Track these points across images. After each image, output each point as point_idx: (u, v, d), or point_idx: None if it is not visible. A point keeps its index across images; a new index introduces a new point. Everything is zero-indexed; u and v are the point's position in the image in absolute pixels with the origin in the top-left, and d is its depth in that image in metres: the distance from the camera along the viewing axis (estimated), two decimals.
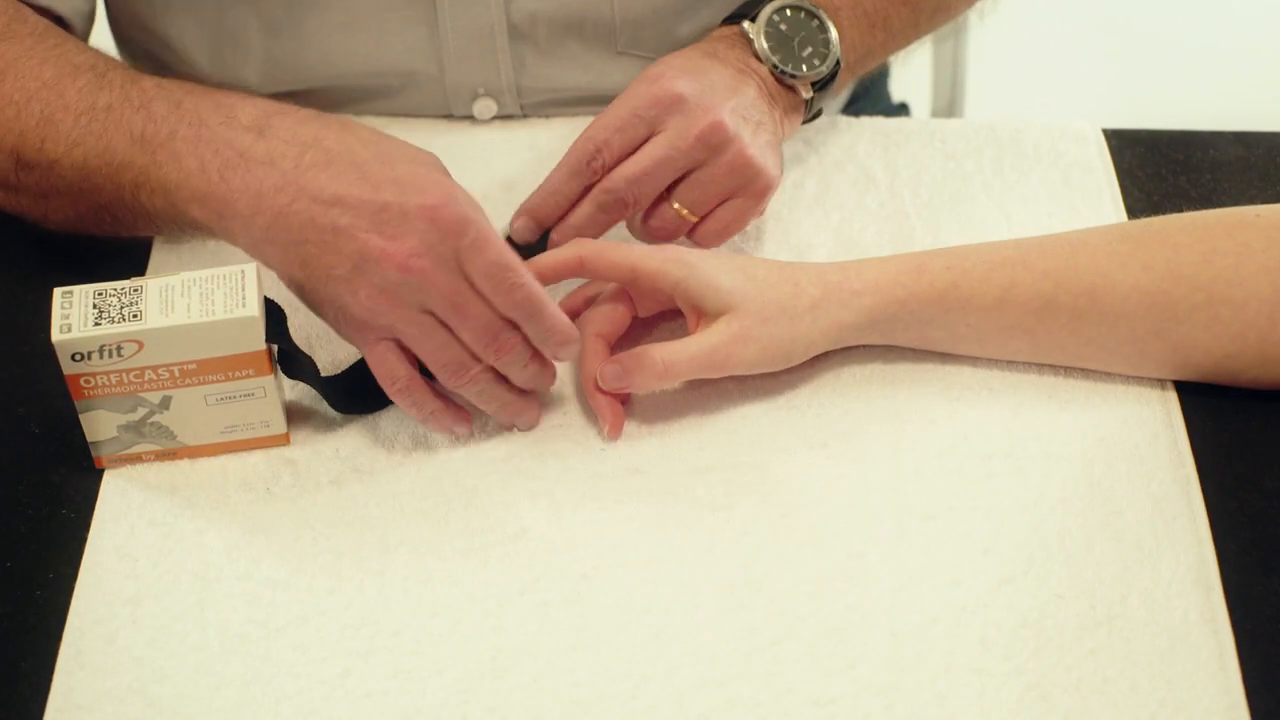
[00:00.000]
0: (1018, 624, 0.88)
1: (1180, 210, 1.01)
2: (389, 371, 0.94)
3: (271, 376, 0.93)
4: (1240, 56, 2.47)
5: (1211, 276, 0.95)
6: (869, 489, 0.95)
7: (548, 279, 0.98)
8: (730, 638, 0.88)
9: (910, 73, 1.57)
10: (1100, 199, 1.12)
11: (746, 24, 1.06)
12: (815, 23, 1.07)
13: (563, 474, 0.96)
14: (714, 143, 1.00)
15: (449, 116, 1.19)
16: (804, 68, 1.07)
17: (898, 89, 1.54)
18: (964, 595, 0.90)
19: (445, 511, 0.94)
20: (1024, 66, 2.38)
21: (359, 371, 0.96)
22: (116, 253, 1.08)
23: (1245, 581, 0.90)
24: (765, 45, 1.06)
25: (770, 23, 1.06)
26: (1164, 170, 1.14)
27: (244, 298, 0.91)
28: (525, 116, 1.19)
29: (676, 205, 1.02)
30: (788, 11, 1.06)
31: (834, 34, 1.07)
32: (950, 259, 0.98)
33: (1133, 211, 1.11)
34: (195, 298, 0.91)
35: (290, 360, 0.95)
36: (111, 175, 0.97)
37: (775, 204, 1.12)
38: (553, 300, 0.94)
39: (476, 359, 0.93)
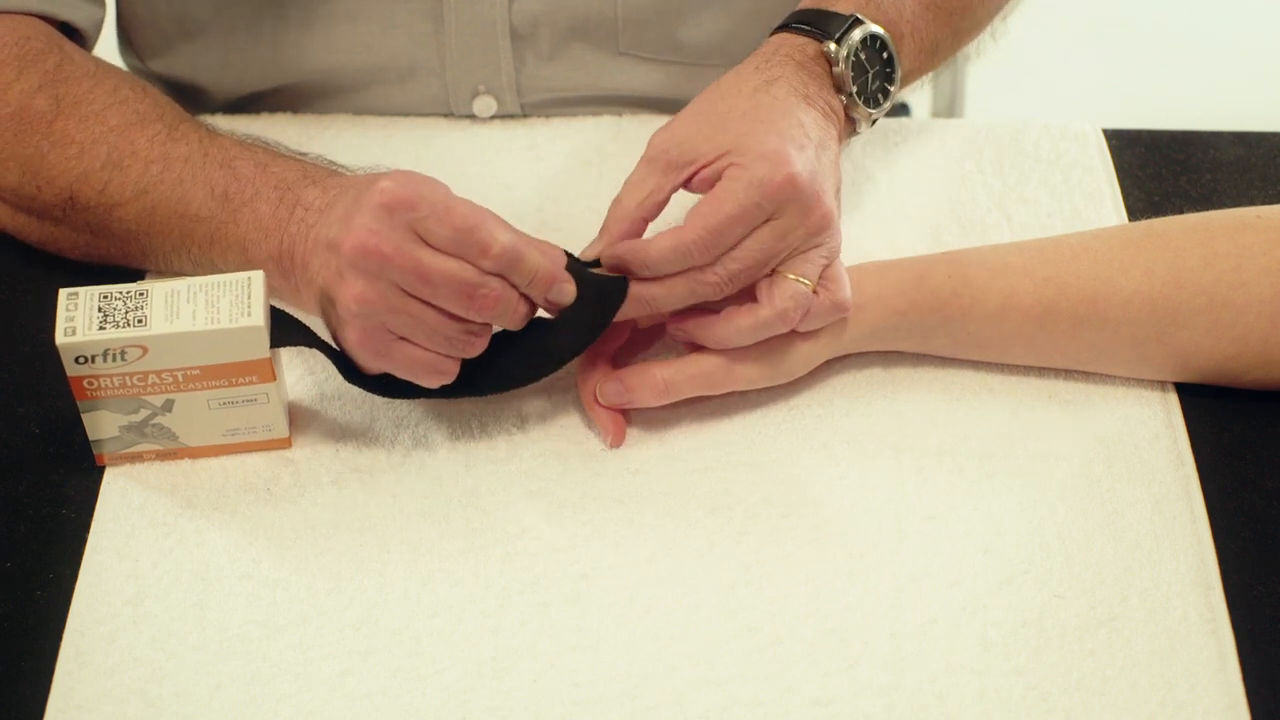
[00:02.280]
0: (1018, 624, 0.88)
1: (1181, 210, 1.01)
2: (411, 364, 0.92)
3: (275, 383, 0.93)
4: (1240, 56, 2.47)
5: (1213, 280, 0.95)
6: (869, 489, 0.95)
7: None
8: (730, 638, 0.88)
9: None
10: (1100, 199, 1.12)
11: (833, 46, 1.00)
12: (886, 55, 1.03)
13: (563, 474, 0.96)
14: (821, 230, 0.95)
15: (449, 115, 1.19)
16: (873, 104, 1.02)
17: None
18: (964, 595, 0.90)
19: (445, 511, 0.94)
20: (1024, 66, 2.38)
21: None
22: None
23: (1245, 581, 0.90)
24: (849, 76, 1.00)
25: (855, 53, 1.01)
26: (1164, 170, 1.14)
27: (249, 306, 0.91)
28: (525, 116, 1.19)
29: (793, 277, 0.95)
30: (868, 41, 1.01)
31: (899, 72, 1.04)
32: (951, 267, 0.98)
33: (1133, 212, 1.11)
34: (201, 304, 0.91)
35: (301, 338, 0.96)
36: (182, 225, 1.00)
37: None
38: (530, 243, 0.91)
39: (473, 325, 0.91)
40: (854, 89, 1.00)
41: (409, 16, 1.14)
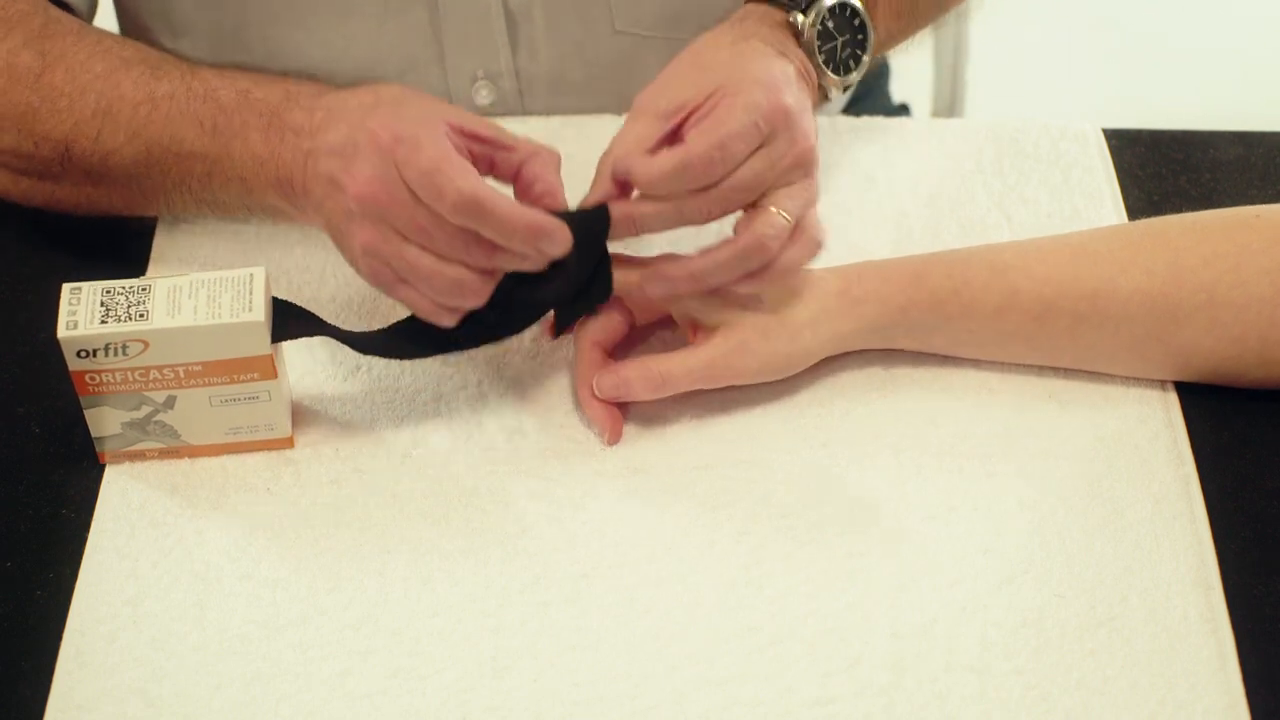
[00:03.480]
0: (1018, 624, 0.88)
1: (1180, 210, 1.01)
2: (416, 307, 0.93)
3: (276, 380, 0.93)
4: (1240, 56, 2.47)
5: (1212, 279, 0.95)
6: (869, 489, 0.95)
7: None
8: (730, 638, 0.88)
9: (910, 73, 1.57)
10: (1100, 199, 1.12)
11: (799, 17, 1.01)
12: (857, 22, 1.03)
13: (563, 474, 0.96)
14: (806, 163, 0.97)
15: (450, 102, 1.18)
16: (842, 71, 1.03)
17: (898, 89, 1.54)
18: (964, 595, 0.90)
19: (445, 511, 0.94)
20: (1024, 66, 2.38)
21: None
22: (116, 253, 1.08)
23: (1245, 581, 0.90)
24: (816, 45, 1.01)
25: (822, 22, 1.01)
26: (1164, 170, 1.14)
27: (251, 301, 0.91)
28: (526, 113, 1.19)
29: (775, 210, 0.95)
30: (838, 9, 1.02)
31: (872, 38, 1.04)
32: (951, 265, 0.98)
33: (1133, 211, 1.11)
34: (202, 299, 0.91)
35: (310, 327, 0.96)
36: (179, 165, 1.00)
37: None
38: (498, 193, 0.89)
39: (477, 269, 0.91)
40: (821, 58, 1.02)
41: (403, 5, 1.14)
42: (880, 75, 1.50)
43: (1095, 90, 2.43)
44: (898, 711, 0.85)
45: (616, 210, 0.94)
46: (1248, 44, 2.50)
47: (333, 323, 0.97)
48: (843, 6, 1.02)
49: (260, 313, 0.91)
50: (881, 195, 1.13)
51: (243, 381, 0.93)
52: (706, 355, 0.96)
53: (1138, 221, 1.02)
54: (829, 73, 1.02)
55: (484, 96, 1.18)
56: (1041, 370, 1.00)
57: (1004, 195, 1.13)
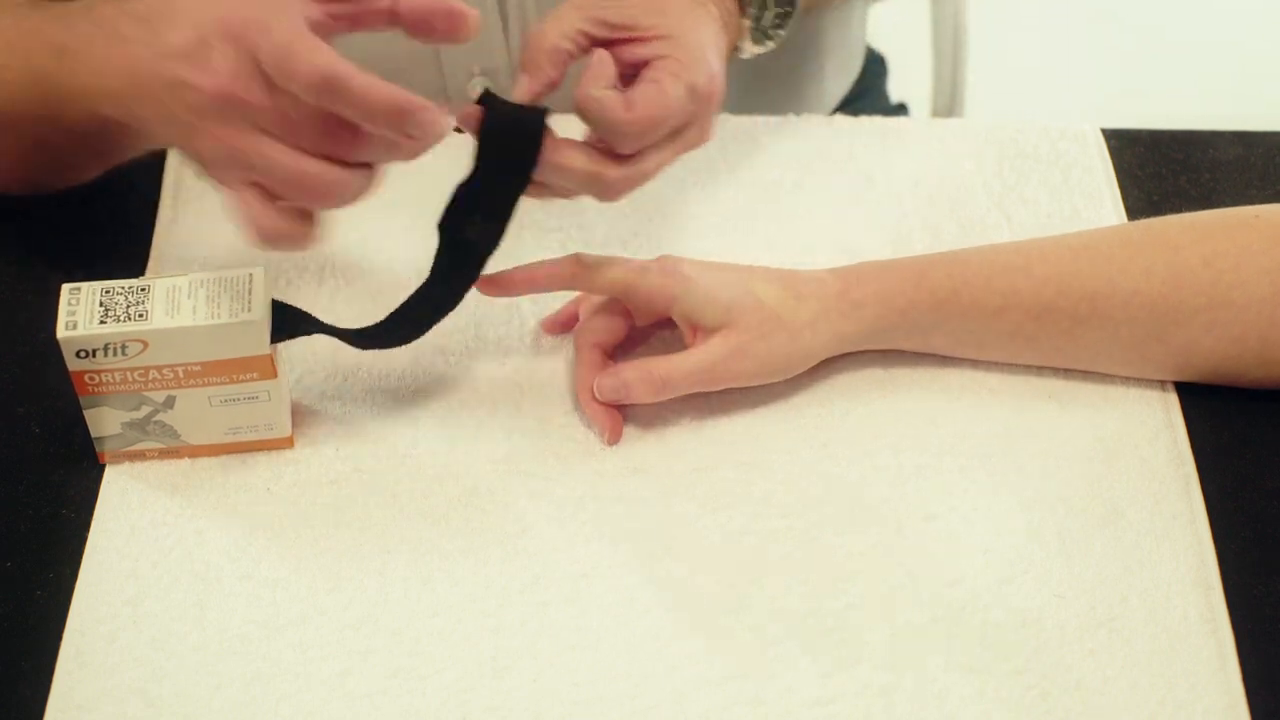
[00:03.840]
0: (1018, 624, 0.88)
1: (1180, 209, 1.01)
2: (251, 217, 0.88)
3: (276, 380, 0.93)
4: (1239, 56, 2.47)
5: (1212, 280, 0.95)
6: (869, 488, 0.95)
7: (542, 285, 0.98)
8: (730, 637, 0.88)
9: (910, 73, 1.57)
10: (1100, 199, 1.12)
11: None
12: None
13: (563, 474, 0.96)
14: (699, 145, 0.99)
15: (448, 101, 1.19)
16: (761, 39, 1.06)
17: (897, 88, 1.54)
18: (964, 595, 0.90)
19: (445, 511, 0.94)
20: (1024, 66, 2.38)
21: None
22: (116, 253, 1.08)
23: (1245, 581, 0.90)
24: (750, 25, 1.04)
25: None
26: (1164, 170, 1.15)
27: (250, 301, 0.91)
28: None
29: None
30: None
31: (797, 9, 1.06)
32: (951, 266, 0.98)
33: (1133, 211, 1.11)
34: (201, 299, 0.91)
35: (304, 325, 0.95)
36: (38, 96, 0.95)
37: (773, 204, 1.12)
38: (359, 70, 0.84)
39: (341, 163, 0.87)
40: (751, 24, 1.04)
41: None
42: (879, 75, 1.50)
43: (1095, 90, 2.43)
44: (897, 711, 0.85)
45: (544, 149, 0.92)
46: (1247, 43, 2.50)
47: (331, 322, 0.97)
48: None
49: (260, 313, 0.91)
50: (881, 195, 1.13)
51: (242, 381, 0.93)
52: (706, 357, 0.96)
53: (1138, 221, 1.02)
54: (749, 42, 1.05)
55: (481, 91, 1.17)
56: (1041, 370, 1.00)
57: (1003, 195, 1.13)
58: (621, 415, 0.98)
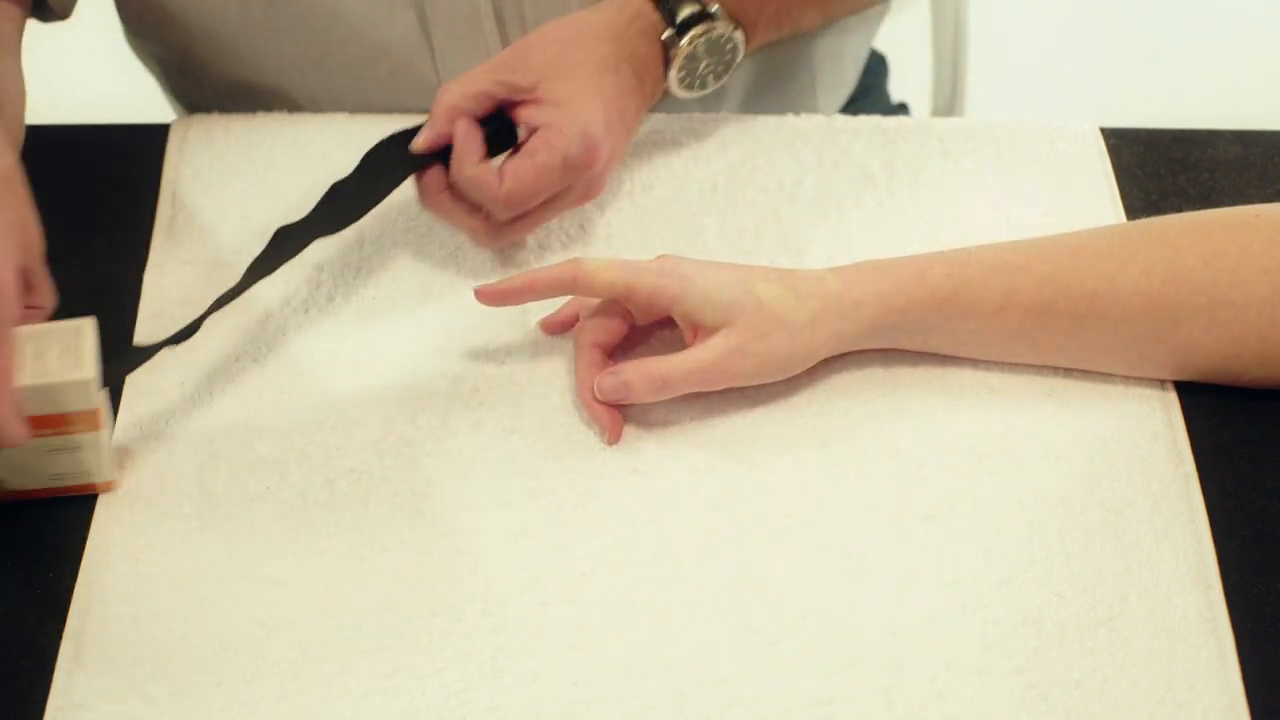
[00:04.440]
0: (1018, 623, 0.88)
1: (1179, 209, 1.01)
2: None
3: (101, 431, 0.92)
4: (1238, 55, 2.47)
5: (1212, 279, 0.95)
6: (869, 489, 0.95)
7: (541, 292, 0.98)
8: (730, 638, 0.88)
9: (910, 73, 1.57)
10: (1099, 198, 1.12)
11: (670, 33, 1.05)
12: (730, 46, 1.08)
13: (562, 474, 0.96)
14: (586, 201, 1.05)
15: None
16: (697, 86, 1.09)
17: (896, 88, 1.54)
18: (964, 595, 0.90)
19: (444, 511, 0.94)
20: (1024, 66, 2.38)
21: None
22: (115, 253, 1.08)
23: (1245, 581, 0.90)
24: (677, 76, 1.07)
25: (694, 43, 1.06)
26: (1162, 169, 1.15)
27: (79, 357, 0.89)
28: None
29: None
30: (714, 39, 1.06)
31: (738, 61, 1.09)
32: (951, 265, 0.98)
33: (1131, 211, 1.11)
34: (29, 355, 0.89)
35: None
36: None
37: (773, 203, 1.12)
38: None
39: None
40: (680, 75, 1.07)
41: (391, 9, 1.14)
42: (879, 74, 1.50)
43: (1094, 90, 2.43)
44: (897, 711, 0.85)
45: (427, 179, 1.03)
46: (1247, 43, 2.50)
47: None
48: (720, 36, 1.06)
49: (89, 369, 0.89)
50: (880, 195, 1.13)
51: (68, 433, 0.91)
52: (707, 357, 0.96)
53: (1137, 221, 1.02)
54: (679, 88, 1.08)
55: None
56: (1041, 370, 1.00)
57: (1003, 195, 1.13)
58: (621, 415, 0.98)
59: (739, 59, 1.09)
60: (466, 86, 1.02)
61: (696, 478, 0.96)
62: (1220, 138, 1.17)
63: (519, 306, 1.02)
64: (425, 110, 1.16)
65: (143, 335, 1.03)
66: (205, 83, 1.21)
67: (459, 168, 1.01)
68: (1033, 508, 0.94)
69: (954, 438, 0.97)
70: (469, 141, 1.01)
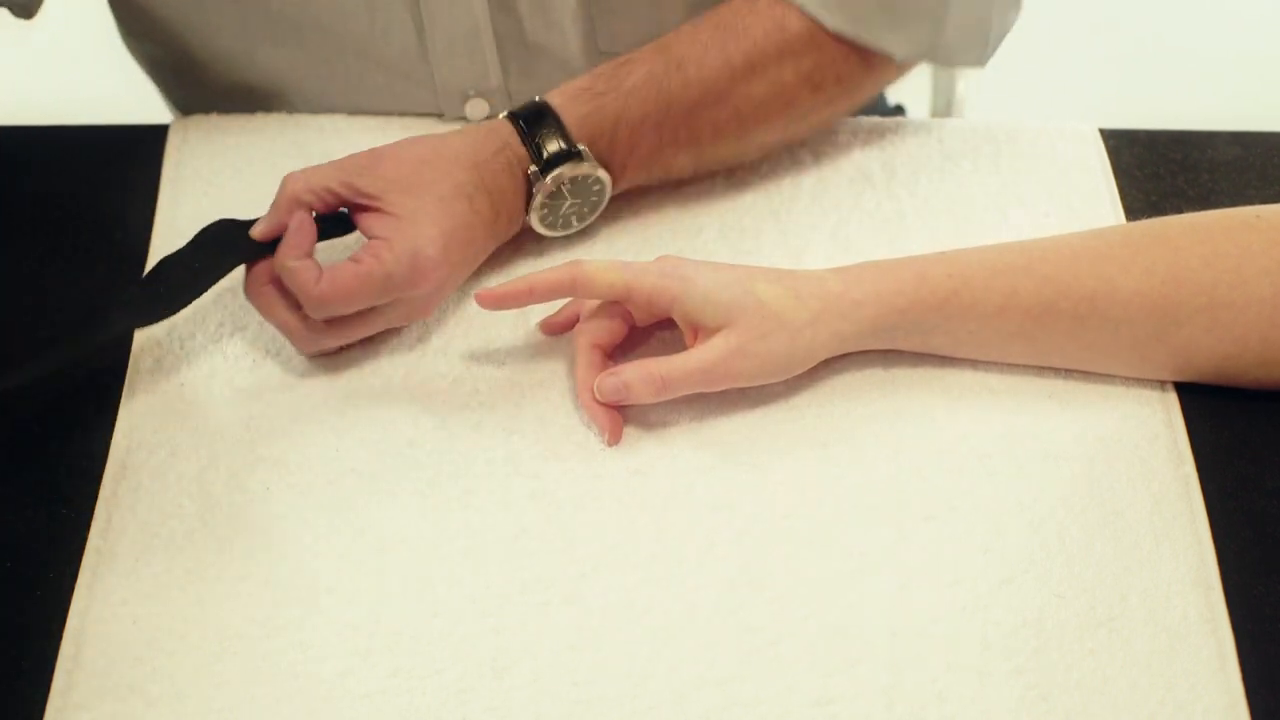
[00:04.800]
0: (1018, 624, 0.88)
1: (1179, 210, 1.01)
2: None
3: None
4: (1238, 57, 2.47)
5: (1212, 280, 0.95)
6: (869, 489, 0.95)
7: (540, 296, 0.98)
8: (730, 638, 0.88)
9: (910, 72, 1.57)
10: (1098, 199, 1.12)
11: (538, 178, 1.03)
12: (597, 188, 1.06)
13: (562, 474, 0.96)
14: (423, 317, 1.03)
15: (443, 117, 1.19)
16: (559, 226, 1.07)
17: (897, 89, 1.54)
18: (964, 595, 0.90)
19: (444, 511, 0.94)
20: (1023, 66, 2.38)
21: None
22: (114, 254, 1.08)
23: (1245, 581, 0.90)
24: (539, 214, 1.05)
25: (559, 183, 1.04)
26: (1162, 170, 1.15)
27: None
28: None
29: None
30: (581, 179, 1.05)
31: (605, 201, 1.07)
32: (951, 266, 0.98)
33: (1131, 211, 1.11)
34: None
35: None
36: None
37: (773, 203, 1.12)
38: None
39: None
40: (543, 212, 1.05)
41: (388, 24, 1.14)
42: None
43: (1093, 90, 2.43)
44: (898, 711, 0.85)
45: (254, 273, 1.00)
46: (1247, 44, 2.50)
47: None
48: (585, 177, 1.05)
49: None
50: (880, 196, 1.13)
51: None
52: (707, 357, 0.96)
53: (1138, 222, 1.02)
54: (540, 226, 1.06)
55: (476, 112, 1.18)
56: (1041, 370, 1.00)
57: (1002, 195, 1.13)
58: (622, 416, 0.98)
59: (605, 201, 1.07)
60: (312, 180, 0.99)
61: (696, 478, 0.96)
62: (1220, 139, 1.17)
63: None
64: (422, 115, 1.17)
65: (142, 335, 1.03)
66: (202, 86, 1.21)
67: (283, 257, 0.97)
68: (1033, 508, 0.94)
69: (954, 438, 0.97)
70: (300, 233, 0.98)
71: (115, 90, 1.48)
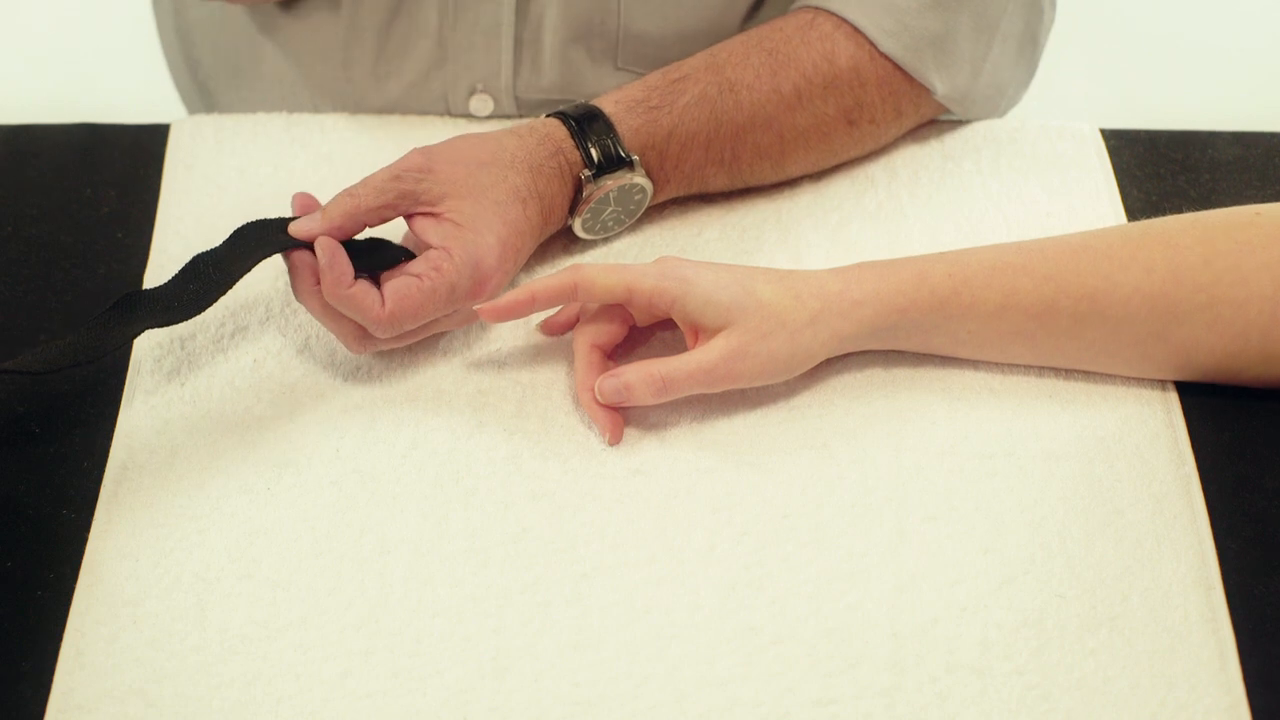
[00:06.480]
0: (1018, 624, 0.88)
1: (1179, 210, 1.02)
2: None
3: None
4: (1238, 56, 2.47)
5: (1213, 278, 0.95)
6: (870, 489, 0.95)
7: (542, 304, 0.98)
8: (730, 638, 0.88)
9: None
10: (1099, 199, 1.12)
11: (587, 173, 1.04)
12: (639, 197, 1.07)
13: (563, 475, 0.96)
14: (474, 321, 1.02)
15: (446, 114, 1.19)
16: (597, 229, 1.08)
17: None
18: (964, 595, 0.90)
19: (445, 511, 0.94)
20: None
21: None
22: (116, 253, 1.08)
23: (1245, 581, 0.90)
24: (582, 218, 1.06)
25: (606, 194, 1.05)
26: (1162, 170, 1.15)
27: None
28: (521, 117, 1.19)
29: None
30: (627, 188, 1.06)
31: (642, 210, 1.08)
32: (951, 265, 0.98)
33: (1131, 211, 1.11)
34: None
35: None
36: None
37: (773, 203, 1.12)
38: None
39: None
40: (586, 218, 1.06)
41: (415, 6, 1.14)
42: None
43: (1094, 90, 2.43)
44: (898, 712, 0.85)
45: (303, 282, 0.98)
46: (1247, 44, 2.50)
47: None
48: (632, 187, 1.06)
49: None
50: (880, 196, 1.13)
51: None
52: (707, 358, 0.96)
53: (1138, 221, 1.02)
54: (581, 230, 1.07)
55: (480, 108, 1.18)
56: (1041, 370, 1.00)
57: (1002, 195, 1.13)
58: (622, 416, 0.98)
59: (642, 210, 1.08)
60: (372, 196, 0.98)
61: (697, 479, 0.96)
62: (1220, 139, 1.17)
63: None
64: (426, 113, 1.16)
65: (143, 335, 1.03)
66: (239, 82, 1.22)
67: (333, 289, 0.96)
68: (1033, 508, 0.94)
69: (955, 438, 0.97)
70: (336, 267, 0.96)
71: (116, 89, 1.48)
